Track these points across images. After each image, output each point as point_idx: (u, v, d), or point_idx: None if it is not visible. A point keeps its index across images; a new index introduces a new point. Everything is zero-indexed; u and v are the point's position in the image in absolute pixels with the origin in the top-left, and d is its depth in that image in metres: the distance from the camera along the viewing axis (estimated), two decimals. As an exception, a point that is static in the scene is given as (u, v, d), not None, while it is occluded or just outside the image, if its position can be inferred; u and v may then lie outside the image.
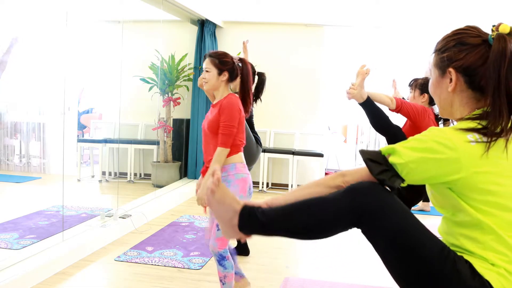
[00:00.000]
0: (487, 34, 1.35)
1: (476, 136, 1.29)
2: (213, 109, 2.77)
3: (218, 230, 2.70)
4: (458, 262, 1.29)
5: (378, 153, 1.35)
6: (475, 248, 1.31)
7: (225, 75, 2.76)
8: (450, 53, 1.37)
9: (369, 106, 2.96)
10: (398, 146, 1.33)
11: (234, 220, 1.45)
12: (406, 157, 1.30)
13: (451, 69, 1.36)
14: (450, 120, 3.23)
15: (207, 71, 2.77)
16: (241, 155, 2.78)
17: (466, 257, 1.32)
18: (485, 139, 1.28)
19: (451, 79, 1.37)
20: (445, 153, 1.27)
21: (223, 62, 2.76)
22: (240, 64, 2.80)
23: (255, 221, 1.42)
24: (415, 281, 1.31)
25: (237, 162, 2.74)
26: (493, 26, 1.34)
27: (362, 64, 3.03)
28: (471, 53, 1.34)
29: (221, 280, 2.77)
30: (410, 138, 1.34)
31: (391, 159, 1.32)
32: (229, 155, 2.72)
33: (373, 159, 1.34)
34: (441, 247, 1.30)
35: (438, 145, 1.28)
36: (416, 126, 3.07)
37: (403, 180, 1.32)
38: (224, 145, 2.67)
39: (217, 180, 1.47)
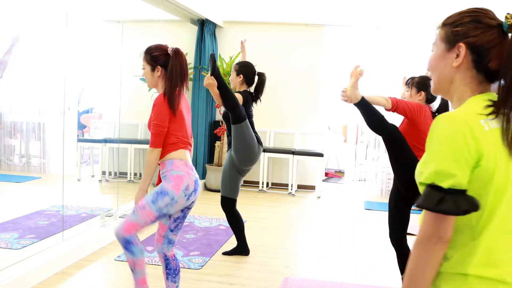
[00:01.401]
0: (501, 20, 1.31)
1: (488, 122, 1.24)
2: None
3: (133, 213, 2.51)
4: None
5: (430, 191, 1.21)
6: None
7: (159, 71, 2.57)
8: (464, 28, 1.31)
9: (364, 106, 2.95)
10: (437, 165, 1.21)
11: None
12: (454, 171, 1.20)
13: (462, 44, 1.31)
14: None
15: (143, 68, 2.63)
16: (181, 152, 2.57)
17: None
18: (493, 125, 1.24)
19: (457, 55, 1.32)
20: (471, 142, 1.21)
21: (154, 57, 2.57)
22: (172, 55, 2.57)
23: None
24: None
25: (175, 159, 2.54)
26: (508, 14, 1.30)
27: (356, 64, 3.02)
28: (486, 33, 1.29)
29: (131, 269, 2.54)
30: (437, 146, 1.22)
31: (445, 184, 1.20)
32: (167, 152, 2.55)
33: (439, 200, 1.20)
34: None
35: (464, 136, 1.21)
36: (413, 123, 3.06)
37: (465, 191, 1.22)
38: (153, 145, 2.51)
39: None
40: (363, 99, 2.94)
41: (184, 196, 2.52)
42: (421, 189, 1.26)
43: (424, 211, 1.24)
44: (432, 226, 1.23)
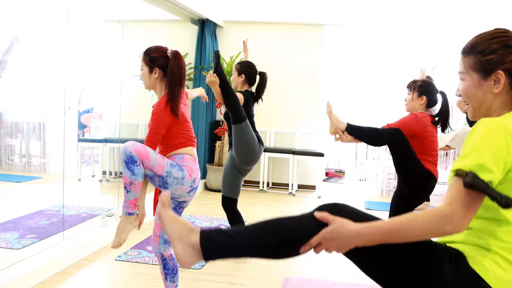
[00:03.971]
0: None
1: None
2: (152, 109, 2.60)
3: (153, 151, 2.44)
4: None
5: (476, 176, 1.23)
6: (479, 232, 1.35)
7: (156, 73, 2.55)
8: (497, 56, 1.36)
9: (353, 131, 2.89)
10: (478, 159, 1.24)
11: (192, 237, 1.41)
12: (494, 169, 1.24)
13: (500, 71, 1.36)
14: (449, 125, 3.22)
15: (141, 69, 2.61)
16: (190, 149, 2.59)
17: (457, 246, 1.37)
18: None
19: (495, 81, 1.37)
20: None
21: (152, 59, 2.54)
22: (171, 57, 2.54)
23: (222, 234, 1.40)
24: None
25: (185, 153, 2.56)
26: None
27: (326, 102, 2.94)
28: None
29: (125, 187, 2.41)
30: (478, 142, 1.26)
31: (486, 177, 1.23)
32: (177, 148, 2.55)
33: (487, 185, 1.22)
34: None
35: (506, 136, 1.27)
36: (410, 135, 3.06)
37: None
38: None
39: (165, 199, 1.47)
40: (349, 125, 2.89)
41: (189, 186, 2.52)
42: (451, 177, 1.28)
43: (456, 192, 1.25)
44: (465, 206, 1.23)
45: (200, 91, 3.35)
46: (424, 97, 3.19)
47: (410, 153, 3.00)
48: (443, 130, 3.25)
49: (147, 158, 2.40)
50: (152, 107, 2.61)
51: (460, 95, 1.49)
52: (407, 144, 2.99)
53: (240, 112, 3.61)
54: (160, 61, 2.55)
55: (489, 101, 1.40)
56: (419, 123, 3.05)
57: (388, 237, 1.30)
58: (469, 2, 5.65)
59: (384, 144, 3.08)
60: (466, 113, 5.29)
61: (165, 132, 2.53)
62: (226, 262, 3.82)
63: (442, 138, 5.32)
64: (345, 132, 2.87)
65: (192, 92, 3.24)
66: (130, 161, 2.37)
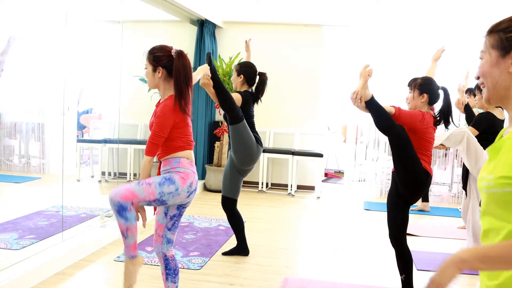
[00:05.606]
0: None
1: None
2: (156, 109, 2.59)
3: (137, 184, 2.48)
4: None
5: None
6: None
7: (160, 72, 2.54)
8: None
9: (374, 105, 2.96)
10: None
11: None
12: None
13: None
14: (452, 121, 3.21)
15: (145, 68, 2.59)
16: (187, 153, 2.59)
17: None
18: None
19: None
20: None
21: (156, 58, 2.53)
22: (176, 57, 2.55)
23: None
24: None
25: (182, 157, 2.56)
26: None
27: (365, 64, 3.02)
28: None
29: (123, 234, 2.47)
30: None
31: None
32: (174, 151, 2.55)
33: None
34: None
35: None
36: (411, 131, 3.08)
37: None
38: (148, 153, 2.50)
39: None
40: (373, 97, 2.96)
41: (186, 192, 2.54)
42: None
43: None
44: None
45: (202, 70, 3.31)
46: (425, 95, 3.17)
47: (411, 149, 3.02)
48: (446, 126, 3.26)
49: (135, 197, 2.44)
50: (156, 106, 2.60)
51: (478, 77, 1.41)
52: (409, 141, 3.02)
53: (236, 113, 3.60)
54: (164, 61, 2.54)
55: (506, 81, 1.34)
56: (423, 122, 3.06)
57: (488, 261, 1.20)
58: (469, 2, 5.65)
59: (386, 131, 3.08)
60: (465, 113, 5.24)
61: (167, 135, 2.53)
62: (225, 262, 3.83)
63: (437, 137, 5.32)
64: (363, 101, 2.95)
65: (194, 76, 3.25)
66: (121, 209, 2.42)
